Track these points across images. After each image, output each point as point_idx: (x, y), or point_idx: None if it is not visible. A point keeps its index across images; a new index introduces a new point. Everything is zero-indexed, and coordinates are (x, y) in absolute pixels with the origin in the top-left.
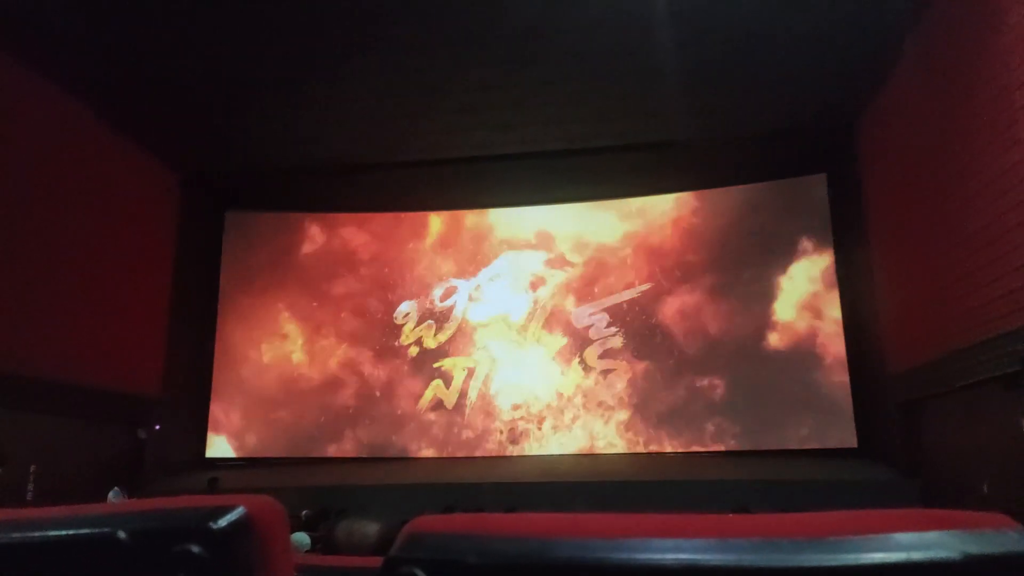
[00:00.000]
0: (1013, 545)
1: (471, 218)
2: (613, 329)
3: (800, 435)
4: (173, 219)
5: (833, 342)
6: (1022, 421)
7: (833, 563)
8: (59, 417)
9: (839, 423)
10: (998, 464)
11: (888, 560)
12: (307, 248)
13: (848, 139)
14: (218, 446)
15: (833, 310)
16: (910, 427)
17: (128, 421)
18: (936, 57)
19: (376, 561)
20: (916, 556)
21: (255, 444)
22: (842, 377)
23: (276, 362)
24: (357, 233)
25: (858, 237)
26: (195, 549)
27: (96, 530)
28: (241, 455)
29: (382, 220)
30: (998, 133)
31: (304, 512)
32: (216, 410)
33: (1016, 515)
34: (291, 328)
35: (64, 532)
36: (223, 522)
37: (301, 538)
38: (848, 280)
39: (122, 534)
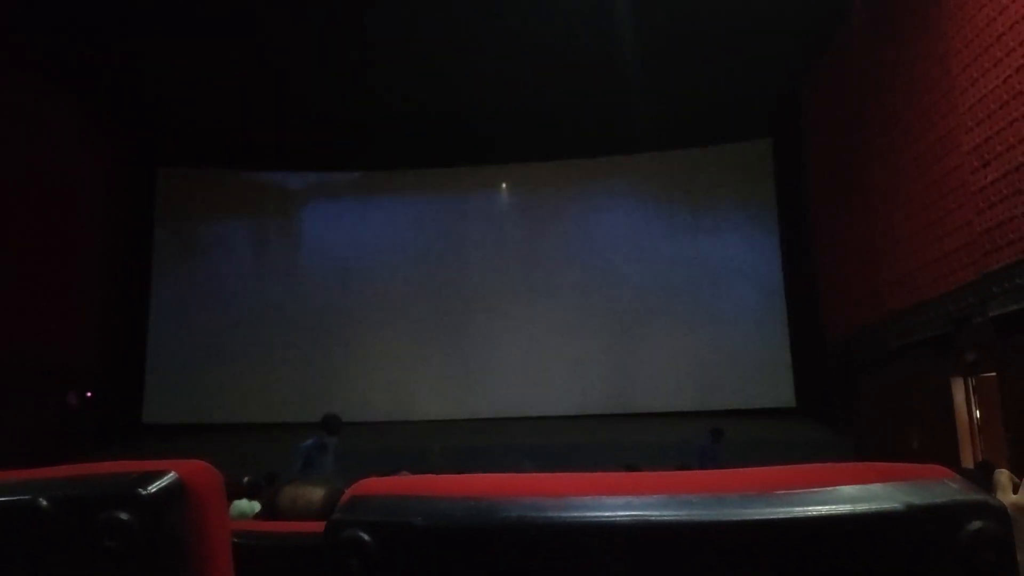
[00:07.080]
0: (953, 495)
1: (421, 177)
2: (569, 291)
3: (740, 395)
4: (102, 177)
5: (774, 305)
6: (952, 379)
7: (780, 516)
8: None
9: (779, 383)
10: (927, 421)
11: (834, 512)
12: (243, 206)
13: (793, 106)
14: (156, 411)
15: (775, 273)
16: (846, 387)
17: (57, 388)
18: (877, 27)
19: (318, 526)
20: (861, 508)
21: (193, 409)
22: (782, 339)
23: (214, 324)
24: (298, 191)
25: (801, 202)
26: (123, 516)
27: (14, 498)
28: (179, 421)
29: (325, 177)
30: (935, 101)
31: (245, 478)
32: (153, 375)
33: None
34: (229, 290)
35: None
36: (153, 488)
37: (244, 505)
38: (790, 243)
39: (43, 502)
